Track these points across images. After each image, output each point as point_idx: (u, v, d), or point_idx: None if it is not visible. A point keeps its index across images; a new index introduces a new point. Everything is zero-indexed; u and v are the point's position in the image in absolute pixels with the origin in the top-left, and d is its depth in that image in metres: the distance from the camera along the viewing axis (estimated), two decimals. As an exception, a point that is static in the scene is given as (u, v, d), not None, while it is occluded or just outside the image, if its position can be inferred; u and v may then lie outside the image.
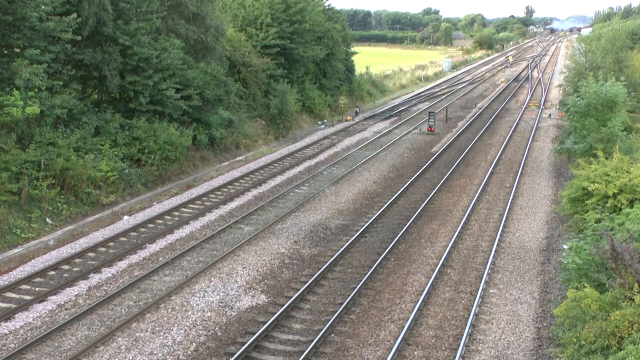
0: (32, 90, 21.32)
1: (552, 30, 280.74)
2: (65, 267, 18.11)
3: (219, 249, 19.84)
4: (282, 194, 25.84)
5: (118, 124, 25.78)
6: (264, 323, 14.75)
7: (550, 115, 48.10)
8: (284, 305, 15.72)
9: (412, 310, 15.48)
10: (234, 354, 13.46)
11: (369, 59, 74.47)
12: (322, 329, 14.39)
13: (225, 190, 26.55)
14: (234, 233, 21.37)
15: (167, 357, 13.54)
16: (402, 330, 14.41)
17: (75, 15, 22.59)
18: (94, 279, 17.36)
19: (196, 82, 29.39)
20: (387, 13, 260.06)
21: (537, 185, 27.93)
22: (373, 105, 54.44)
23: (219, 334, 14.65)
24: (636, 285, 11.99)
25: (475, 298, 16.27)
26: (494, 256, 19.28)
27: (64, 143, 22.60)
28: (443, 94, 61.60)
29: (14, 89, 21.50)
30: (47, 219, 21.01)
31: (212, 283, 17.29)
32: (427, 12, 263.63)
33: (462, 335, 14.26)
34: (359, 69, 57.98)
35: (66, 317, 15.17)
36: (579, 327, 12.15)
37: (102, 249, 19.57)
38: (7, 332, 14.35)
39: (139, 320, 15.09)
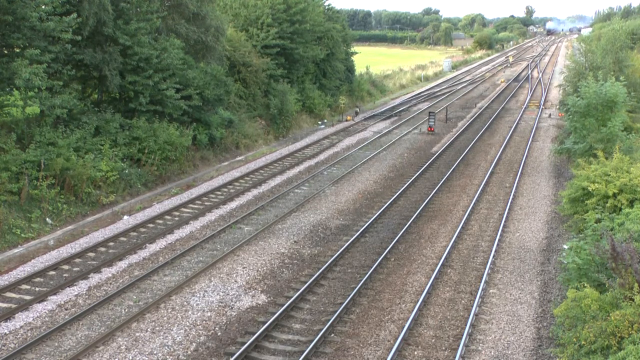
0: (32, 90, 21.31)
1: (550, 32, 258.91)
2: (65, 267, 18.11)
3: (219, 249, 19.84)
4: (282, 194, 25.84)
5: (118, 124, 25.77)
6: (264, 323, 14.75)
7: (550, 115, 48.11)
8: (284, 305, 15.72)
9: (412, 310, 15.48)
10: (234, 354, 13.45)
11: (369, 59, 74.46)
12: (322, 329, 14.39)
13: (225, 190, 26.54)
14: (234, 233, 21.37)
15: (167, 357, 13.54)
16: (402, 330, 14.40)
17: (75, 15, 22.60)
18: (94, 279, 17.36)
19: (196, 82, 29.39)
20: (387, 13, 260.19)
21: (537, 185, 27.93)
22: (373, 105, 54.45)
23: (219, 333, 14.65)
24: (636, 285, 11.99)
25: (475, 298, 16.27)
26: (494, 256, 19.28)
27: (64, 143, 22.59)
28: (443, 94, 61.60)
29: (14, 89, 21.49)
30: (47, 219, 21.01)
31: (212, 283, 17.29)
32: (427, 12, 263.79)
33: (462, 335, 14.26)
34: (359, 69, 57.97)
35: (66, 317, 15.17)
36: (579, 327, 12.15)
37: (102, 249, 19.57)
38: (7, 332, 14.35)
39: (139, 320, 15.09)
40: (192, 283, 17.24)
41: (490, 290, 17.06)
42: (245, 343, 13.84)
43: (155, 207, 23.91)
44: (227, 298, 16.44)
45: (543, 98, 57.89)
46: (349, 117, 46.12)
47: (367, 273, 17.67)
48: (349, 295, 16.23)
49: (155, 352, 13.66)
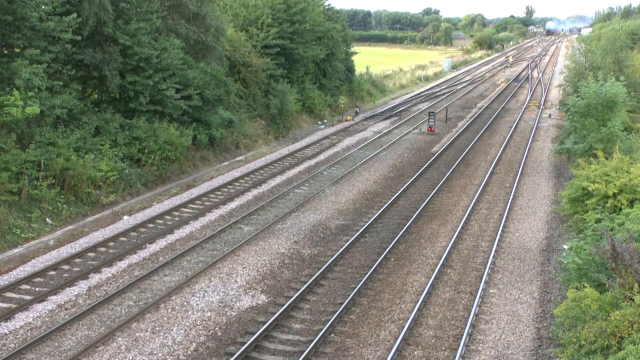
0: (32, 90, 21.31)
1: (549, 32, 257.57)
2: (65, 267, 18.11)
3: (219, 249, 19.84)
4: (282, 194, 25.83)
5: (118, 124, 25.77)
6: (264, 323, 14.75)
7: (550, 115, 48.11)
8: (284, 305, 15.72)
9: (412, 310, 15.48)
10: (234, 354, 13.46)
11: (369, 59, 74.45)
12: (322, 329, 14.39)
13: (225, 190, 26.54)
14: (234, 233, 21.37)
15: (167, 357, 13.54)
16: (402, 330, 14.41)
17: (75, 15, 22.60)
18: (94, 279, 17.36)
19: (196, 82, 29.39)
20: (387, 13, 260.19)
21: (537, 185, 27.92)
22: (373, 105, 54.44)
23: (219, 333, 14.65)
24: (636, 285, 11.99)
25: (475, 298, 16.27)
26: (494, 256, 19.28)
27: (64, 143, 22.59)
28: (443, 94, 61.60)
29: (14, 89, 21.49)
30: (47, 219, 21.01)
31: (212, 283, 17.29)
32: (427, 12, 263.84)
33: (462, 335, 14.26)
34: (359, 69, 57.98)
35: (66, 317, 15.17)
36: (579, 327, 12.15)
37: (102, 249, 19.57)
38: (7, 332, 14.35)
39: (139, 320, 15.09)
40: (192, 283, 17.24)
41: (490, 290, 17.06)
42: (245, 343, 13.84)
43: (155, 207, 23.91)
44: (227, 298, 16.44)
45: (543, 98, 57.89)
46: (349, 117, 46.12)
47: (367, 273, 17.67)
48: (349, 295, 16.23)
49: (155, 352, 13.66)
